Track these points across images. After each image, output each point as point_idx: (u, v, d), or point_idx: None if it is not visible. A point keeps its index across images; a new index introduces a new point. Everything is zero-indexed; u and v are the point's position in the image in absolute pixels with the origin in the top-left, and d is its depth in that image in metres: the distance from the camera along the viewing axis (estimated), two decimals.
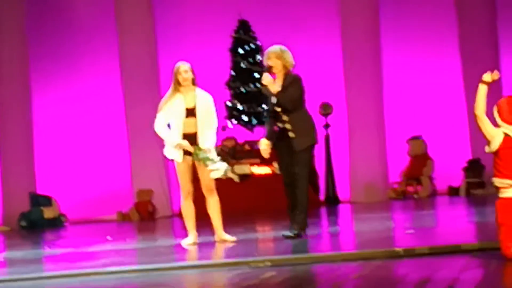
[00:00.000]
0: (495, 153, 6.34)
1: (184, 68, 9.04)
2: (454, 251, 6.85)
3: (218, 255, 7.83)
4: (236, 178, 15.63)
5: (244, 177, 15.53)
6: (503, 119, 6.32)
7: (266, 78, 8.83)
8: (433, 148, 16.15)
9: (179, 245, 9.09)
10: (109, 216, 15.81)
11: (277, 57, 8.85)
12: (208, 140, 8.98)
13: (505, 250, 6.22)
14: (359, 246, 8.12)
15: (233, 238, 9.11)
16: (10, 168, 15.91)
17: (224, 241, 9.06)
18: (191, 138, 8.94)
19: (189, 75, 9.02)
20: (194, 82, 9.09)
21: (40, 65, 16.78)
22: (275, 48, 8.91)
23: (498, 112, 6.35)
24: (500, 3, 16.17)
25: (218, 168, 8.96)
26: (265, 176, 15.61)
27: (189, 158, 8.99)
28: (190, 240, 9.11)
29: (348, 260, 6.85)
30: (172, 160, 9.14)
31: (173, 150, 9.00)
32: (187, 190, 9.05)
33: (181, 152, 8.98)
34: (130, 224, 14.70)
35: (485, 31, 15.95)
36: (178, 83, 9.04)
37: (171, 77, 9.14)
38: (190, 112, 8.96)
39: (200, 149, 8.92)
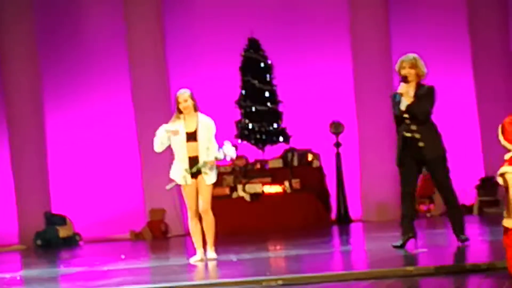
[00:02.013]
0: None
1: (183, 97, 9.31)
2: (467, 270, 6.86)
3: (230, 273, 7.86)
4: (247, 197, 15.77)
5: (255, 196, 15.57)
6: (505, 139, 6.30)
7: (403, 88, 8.92)
8: None
9: (192, 264, 9.17)
10: (123, 235, 15.89)
11: (411, 67, 8.97)
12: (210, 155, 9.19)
13: (511, 269, 6.23)
14: (371, 265, 8.13)
15: (215, 256, 9.33)
16: (25, 188, 16.07)
17: (212, 259, 9.28)
18: (194, 160, 9.23)
19: (189, 103, 9.30)
20: (195, 108, 9.33)
21: (53, 85, 16.89)
22: (409, 57, 9.01)
23: (502, 132, 6.32)
24: None
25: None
26: (276, 195, 15.62)
27: (194, 180, 9.29)
28: (198, 257, 9.39)
29: (360, 279, 6.87)
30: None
31: (179, 174, 9.29)
32: (194, 210, 9.38)
33: (187, 175, 9.25)
34: (143, 243, 14.76)
35: (498, 48, 15.97)
36: (179, 111, 9.30)
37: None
38: (191, 136, 9.25)
39: (202, 165, 9.16)
